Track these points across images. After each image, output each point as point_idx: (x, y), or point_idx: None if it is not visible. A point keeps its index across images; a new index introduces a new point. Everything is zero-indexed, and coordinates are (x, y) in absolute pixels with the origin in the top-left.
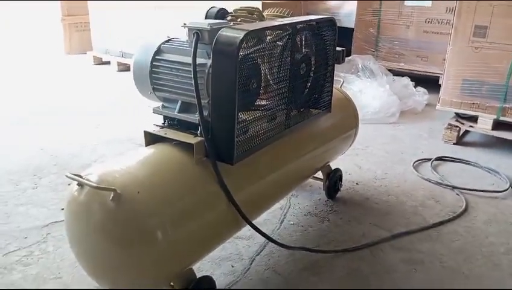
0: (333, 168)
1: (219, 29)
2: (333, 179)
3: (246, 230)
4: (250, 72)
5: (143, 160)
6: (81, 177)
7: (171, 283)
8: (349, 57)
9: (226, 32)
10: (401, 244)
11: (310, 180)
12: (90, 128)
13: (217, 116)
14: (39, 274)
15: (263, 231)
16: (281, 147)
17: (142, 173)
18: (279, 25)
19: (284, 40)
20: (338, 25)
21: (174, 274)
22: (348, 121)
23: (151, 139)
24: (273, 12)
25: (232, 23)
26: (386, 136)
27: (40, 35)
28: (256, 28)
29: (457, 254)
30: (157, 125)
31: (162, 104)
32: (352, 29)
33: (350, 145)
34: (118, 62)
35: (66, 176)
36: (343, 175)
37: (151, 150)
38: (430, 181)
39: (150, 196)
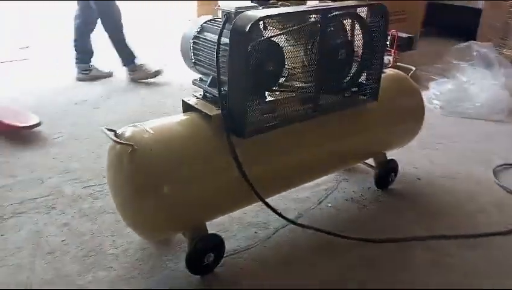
0: (389, 158)
1: (243, 12)
2: (384, 170)
3: (282, 203)
4: (266, 55)
5: (170, 125)
6: (114, 131)
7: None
8: (466, 43)
9: (241, 18)
10: (435, 246)
11: (365, 167)
12: None
13: (232, 92)
14: (102, 207)
15: (299, 206)
16: (308, 130)
17: (163, 135)
18: (305, 11)
19: (312, 25)
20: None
21: (185, 226)
22: (409, 112)
23: (186, 107)
24: None
25: (275, 3)
26: (481, 133)
27: None
28: (273, 13)
29: (493, 268)
30: (194, 96)
31: (200, 77)
32: (480, 10)
33: (410, 139)
34: None
35: (101, 130)
36: (409, 168)
37: (182, 117)
38: (504, 188)
39: (162, 155)
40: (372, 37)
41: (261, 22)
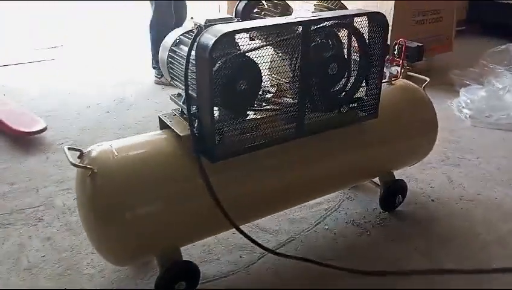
0: (397, 178)
1: (212, 26)
2: (390, 191)
3: (274, 224)
4: (237, 71)
5: (138, 144)
6: (80, 151)
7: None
8: (504, 46)
9: (207, 32)
10: (437, 280)
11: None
12: None
13: (200, 111)
14: None
15: (293, 228)
16: (295, 151)
17: (128, 156)
18: (280, 24)
19: (293, 39)
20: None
21: (154, 252)
22: (419, 128)
23: (162, 124)
24: (322, 3)
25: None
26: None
27: None
28: (241, 27)
29: None
30: (173, 112)
31: (178, 92)
32: None
33: (421, 157)
34: None
35: (64, 149)
36: (424, 187)
37: (154, 136)
38: None
39: (124, 179)
40: (368, 48)
41: (237, 36)
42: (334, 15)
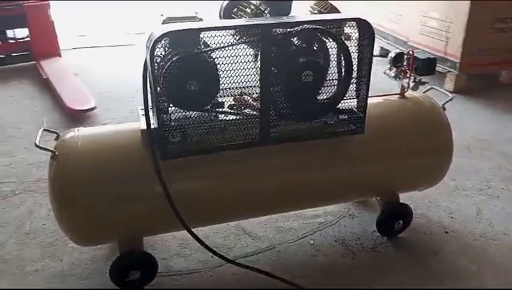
0: (402, 202)
1: (168, 23)
2: (388, 214)
3: (261, 230)
4: (184, 72)
5: (106, 134)
6: (57, 134)
7: None
8: None
9: (154, 33)
10: None
11: None
12: None
13: (154, 109)
14: None
15: (278, 237)
16: (260, 159)
17: (92, 144)
18: (233, 26)
19: (253, 43)
20: None
21: (111, 239)
22: (427, 148)
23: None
24: (314, 5)
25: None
26: None
27: None
28: (188, 28)
29: None
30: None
31: None
32: None
33: (432, 181)
34: None
35: (39, 131)
36: (444, 215)
37: (124, 127)
38: None
39: (81, 165)
40: (350, 58)
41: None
42: (302, 20)
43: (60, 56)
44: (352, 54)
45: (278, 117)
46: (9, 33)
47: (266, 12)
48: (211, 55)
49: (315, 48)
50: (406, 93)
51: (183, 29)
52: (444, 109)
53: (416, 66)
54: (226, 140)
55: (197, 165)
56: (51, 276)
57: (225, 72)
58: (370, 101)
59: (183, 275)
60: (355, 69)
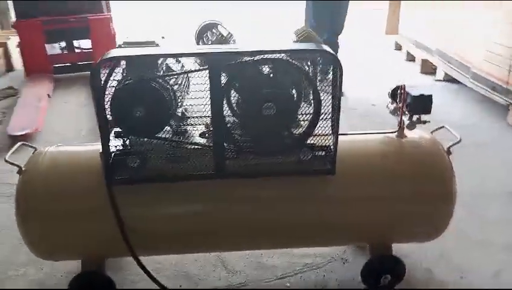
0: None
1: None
2: (372, 266)
3: (240, 264)
4: (132, 99)
5: (71, 153)
6: (35, 149)
7: None
8: None
9: (104, 56)
10: None
11: None
12: None
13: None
14: None
15: (255, 274)
16: (214, 194)
17: (56, 163)
18: (167, 54)
19: (202, 72)
20: None
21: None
22: (420, 196)
23: None
24: (295, 32)
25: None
26: None
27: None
28: (122, 54)
29: None
30: None
31: None
32: None
33: (427, 235)
34: (407, 51)
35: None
36: (453, 274)
37: (93, 147)
38: None
39: (40, 184)
40: (317, 92)
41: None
42: (255, 49)
43: None
44: (318, 87)
45: (236, 150)
46: (76, 44)
47: (231, 40)
48: (166, 81)
49: (282, 79)
50: (407, 132)
51: (124, 56)
52: (450, 153)
53: (408, 103)
54: (181, 170)
55: (153, 192)
56: (28, 282)
57: (176, 99)
58: (362, 138)
59: None
60: (324, 104)
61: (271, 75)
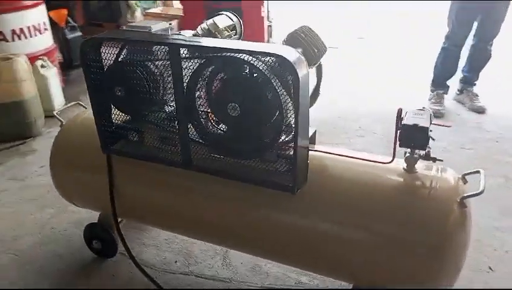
0: None
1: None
2: None
3: (240, 260)
4: (113, 79)
5: None
6: (85, 108)
7: None
8: None
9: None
10: None
11: None
12: None
13: None
14: None
15: (246, 275)
16: (182, 182)
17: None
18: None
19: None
20: None
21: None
22: (405, 242)
23: None
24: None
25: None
26: None
27: None
28: (103, 36)
29: None
30: None
31: None
32: None
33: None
34: None
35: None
36: None
37: None
38: None
39: (69, 139)
40: (278, 98)
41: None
42: (210, 44)
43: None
44: (281, 93)
45: (207, 145)
46: None
47: (220, 35)
48: (156, 67)
49: (248, 82)
50: (419, 166)
51: (105, 37)
52: (465, 205)
53: (401, 134)
54: (154, 151)
55: (140, 166)
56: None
57: (159, 86)
58: (360, 162)
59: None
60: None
61: (242, 75)
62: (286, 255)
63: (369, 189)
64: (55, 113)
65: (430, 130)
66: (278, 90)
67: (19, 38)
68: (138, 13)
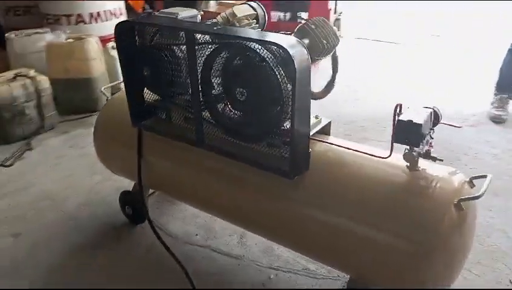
0: None
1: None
2: None
3: (255, 241)
4: (141, 59)
5: None
6: None
7: None
8: None
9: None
10: None
11: None
12: None
13: None
14: None
15: (256, 254)
16: (194, 162)
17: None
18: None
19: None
20: None
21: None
22: (397, 236)
23: None
24: None
25: None
26: None
27: None
28: (136, 21)
29: None
30: None
31: None
32: None
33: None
34: None
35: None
36: None
37: None
38: None
39: (112, 114)
40: (279, 85)
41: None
42: (219, 32)
43: None
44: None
45: (219, 127)
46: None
47: (238, 24)
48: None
49: (255, 68)
50: (423, 165)
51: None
52: (461, 208)
53: (397, 130)
54: (175, 130)
55: (164, 142)
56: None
57: (177, 67)
58: (367, 159)
59: (166, 236)
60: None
61: (249, 62)
62: (284, 238)
63: (368, 182)
64: (102, 89)
65: (431, 129)
66: (280, 79)
67: (96, 21)
68: (213, 2)
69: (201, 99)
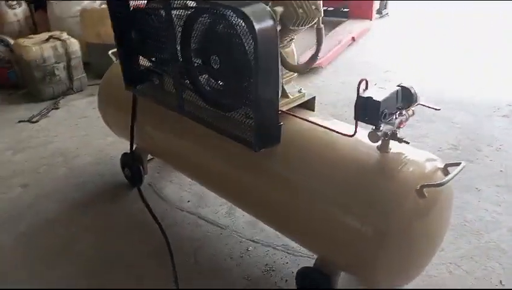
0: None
1: None
2: (303, 275)
3: (240, 214)
4: (131, 23)
5: None
6: None
7: None
8: None
9: None
10: None
11: None
12: None
13: None
14: None
15: (239, 225)
16: (175, 126)
17: None
18: None
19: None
20: None
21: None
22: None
23: None
24: None
25: None
26: None
27: None
28: None
29: None
30: None
31: None
32: None
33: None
34: None
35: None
36: None
37: None
38: None
39: (110, 80)
40: (233, 55)
41: None
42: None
43: (371, 20)
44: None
45: (196, 94)
46: None
47: None
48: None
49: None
50: (395, 147)
51: None
52: (422, 195)
53: (355, 104)
54: (159, 93)
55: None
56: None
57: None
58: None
59: (161, 198)
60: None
61: (220, 29)
62: (252, 208)
63: (336, 161)
64: (109, 53)
65: (399, 108)
66: (247, 46)
67: None
68: None
69: (182, 65)
